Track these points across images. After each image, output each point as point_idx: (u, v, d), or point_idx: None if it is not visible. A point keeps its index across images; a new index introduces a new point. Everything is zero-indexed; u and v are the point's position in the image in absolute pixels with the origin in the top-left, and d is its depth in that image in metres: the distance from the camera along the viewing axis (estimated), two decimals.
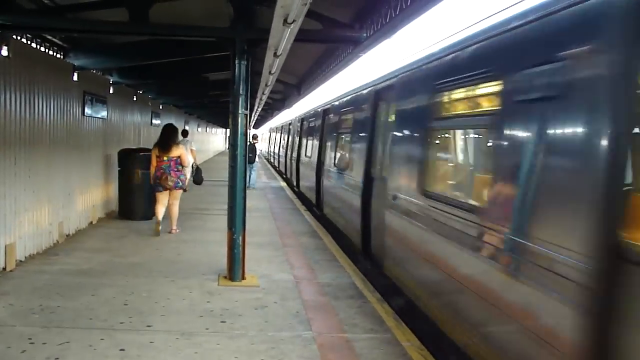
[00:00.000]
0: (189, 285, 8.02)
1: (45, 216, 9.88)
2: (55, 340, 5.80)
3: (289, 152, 26.61)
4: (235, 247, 8.26)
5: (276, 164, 38.36)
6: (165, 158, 11.49)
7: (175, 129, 12.20)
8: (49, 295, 7.33)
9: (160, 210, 11.68)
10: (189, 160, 12.96)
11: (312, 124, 19.19)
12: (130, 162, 13.39)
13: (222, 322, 6.58)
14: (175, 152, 11.58)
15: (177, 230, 11.90)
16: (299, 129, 23.05)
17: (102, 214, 13.55)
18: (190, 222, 13.26)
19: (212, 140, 52.78)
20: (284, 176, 29.42)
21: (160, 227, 11.53)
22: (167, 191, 11.62)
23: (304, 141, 21.04)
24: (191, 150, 17.58)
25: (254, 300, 7.43)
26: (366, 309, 7.26)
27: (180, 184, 11.72)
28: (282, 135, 32.60)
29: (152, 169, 11.58)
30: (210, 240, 11.20)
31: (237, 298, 7.51)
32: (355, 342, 6.08)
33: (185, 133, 19.15)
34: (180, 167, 11.65)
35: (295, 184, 23.15)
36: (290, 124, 28.30)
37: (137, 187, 13.31)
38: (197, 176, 15.92)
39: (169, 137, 11.75)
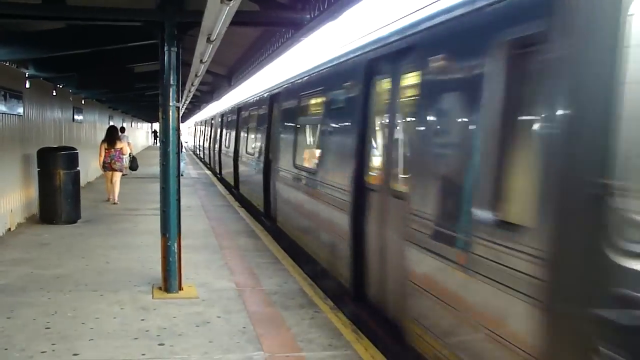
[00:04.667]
0: (120, 300, 7.19)
1: None
2: None
3: (208, 143, 32.21)
4: (170, 255, 7.45)
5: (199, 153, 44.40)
6: (112, 150, 15.72)
7: (116, 129, 17.12)
8: None
9: (110, 186, 16.00)
10: (127, 150, 17.03)
11: (229, 119, 23.26)
12: (51, 161, 12.41)
13: (160, 344, 5.79)
14: (119, 145, 15.96)
15: (118, 203, 15.77)
16: (219, 123, 26.89)
17: (22, 219, 12.44)
18: (120, 225, 12.38)
19: (138, 136, 51.28)
20: (209, 166, 32.23)
21: (110, 198, 15.96)
22: (112, 171, 15.80)
23: (224, 133, 24.33)
24: (128, 143, 20.74)
25: (194, 315, 6.66)
26: (320, 320, 6.60)
27: (121, 167, 16.13)
28: (204, 128, 38.12)
29: (101, 159, 15.79)
30: (142, 244, 10.39)
31: (176, 313, 6.73)
32: None
33: (123, 130, 25.23)
34: (122, 156, 16.14)
35: (218, 170, 26.48)
36: (212, 119, 32.00)
37: (59, 188, 12.31)
38: (134, 164, 19.06)
39: (113, 135, 16.12)
